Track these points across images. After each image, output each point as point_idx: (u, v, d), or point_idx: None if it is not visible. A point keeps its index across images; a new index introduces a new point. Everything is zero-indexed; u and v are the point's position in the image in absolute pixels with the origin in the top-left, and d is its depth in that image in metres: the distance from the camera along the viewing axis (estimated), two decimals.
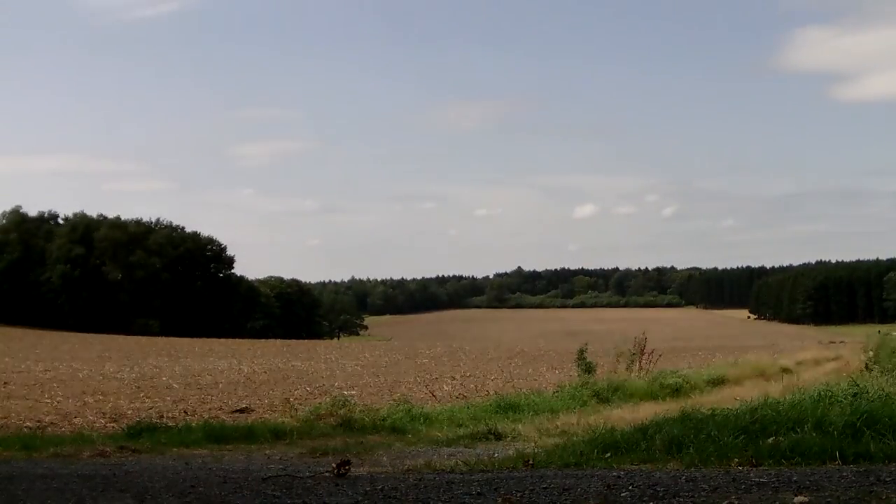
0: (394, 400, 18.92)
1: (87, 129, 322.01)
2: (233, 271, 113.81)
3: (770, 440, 8.82)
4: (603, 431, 10.77)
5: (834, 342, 63.65)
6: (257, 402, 20.35)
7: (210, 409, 18.80)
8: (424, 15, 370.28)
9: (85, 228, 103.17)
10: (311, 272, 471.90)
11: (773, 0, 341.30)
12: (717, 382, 24.28)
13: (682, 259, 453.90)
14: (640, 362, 24.33)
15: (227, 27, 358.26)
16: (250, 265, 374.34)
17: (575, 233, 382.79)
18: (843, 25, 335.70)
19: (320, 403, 16.67)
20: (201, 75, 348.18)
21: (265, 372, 31.49)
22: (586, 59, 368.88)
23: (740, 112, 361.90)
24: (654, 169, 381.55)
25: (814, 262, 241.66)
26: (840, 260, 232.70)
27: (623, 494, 6.88)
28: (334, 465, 8.58)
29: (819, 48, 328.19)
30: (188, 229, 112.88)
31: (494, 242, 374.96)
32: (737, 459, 8.42)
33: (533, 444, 12.07)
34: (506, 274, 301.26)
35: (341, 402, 15.85)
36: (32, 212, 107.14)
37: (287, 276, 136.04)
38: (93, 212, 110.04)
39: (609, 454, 9.19)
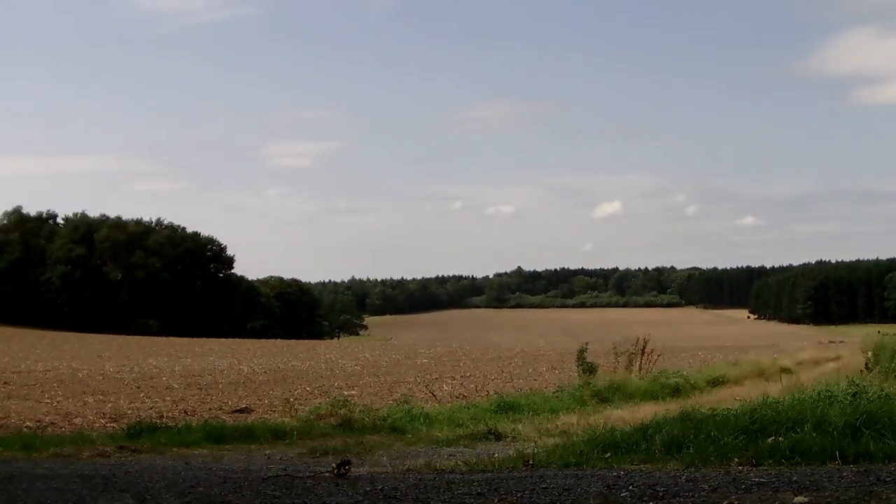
0: (394, 400, 18.92)
1: (99, 130, 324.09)
2: (233, 271, 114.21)
3: (770, 440, 8.82)
4: (603, 431, 10.76)
5: (834, 342, 63.50)
6: (257, 402, 20.35)
7: (210, 409, 18.79)
8: (429, 15, 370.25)
9: (86, 228, 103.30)
10: (310, 272, 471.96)
11: (800, 5, 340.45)
12: (717, 382, 24.21)
13: (686, 259, 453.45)
14: (640, 362, 24.31)
15: (241, 34, 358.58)
16: (250, 265, 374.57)
17: (586, 233, 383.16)
18: (872, 30, 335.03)
19: (320, 403, 16.68)
20: (216, 78, 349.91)
21: (265, 372, 31.46)
22: (605, 59, 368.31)
23: (760, 115, 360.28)
24: (666, 170, 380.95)
25: (814, 262, 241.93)
26: (840, 260, 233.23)
27: (623, 494, 6.88)
28: (334, 465, 8.58)
29: (845, 53, 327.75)
30: (189, 229, 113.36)
31: (497, 242, 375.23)
32: (737, 459, 8.41)
33: (533, 444, 12.06)
34: (505, 274, 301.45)
35: (341, 402, 15.87)
36: (34, 211, 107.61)
37: (287, 276, 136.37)
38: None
39: (609, 454, 9.19)
